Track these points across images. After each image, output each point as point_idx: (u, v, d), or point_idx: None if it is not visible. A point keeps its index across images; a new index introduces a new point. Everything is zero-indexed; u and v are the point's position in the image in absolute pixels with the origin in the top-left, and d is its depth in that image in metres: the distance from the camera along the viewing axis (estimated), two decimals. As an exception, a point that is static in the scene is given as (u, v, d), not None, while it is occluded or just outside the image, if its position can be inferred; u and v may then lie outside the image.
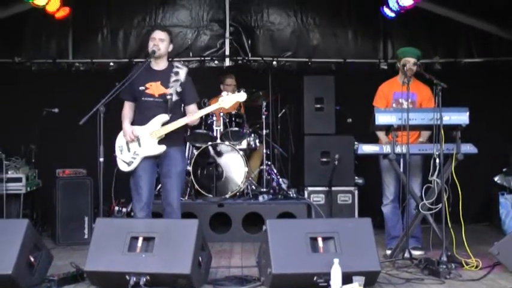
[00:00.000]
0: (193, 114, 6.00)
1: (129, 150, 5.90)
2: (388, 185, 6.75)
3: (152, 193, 6.07)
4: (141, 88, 5.95)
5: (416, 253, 6.24)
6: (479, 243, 6.49)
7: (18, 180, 7.64)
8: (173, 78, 5.99)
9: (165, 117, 5.89)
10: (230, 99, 6.01)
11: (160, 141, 5.89)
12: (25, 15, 9.15)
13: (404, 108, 6.08)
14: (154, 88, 5.95)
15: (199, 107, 7.91)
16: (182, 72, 6.04)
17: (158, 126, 5.87)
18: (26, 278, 4.84)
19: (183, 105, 6.16)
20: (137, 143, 5.89)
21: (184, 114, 6.09)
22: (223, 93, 6.15)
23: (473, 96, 8.52)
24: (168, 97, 5.92)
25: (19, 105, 9.02)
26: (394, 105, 6.73)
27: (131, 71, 6.08)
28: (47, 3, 8.14)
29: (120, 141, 5.98)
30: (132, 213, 7.19)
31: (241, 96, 6.05)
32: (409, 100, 6.30)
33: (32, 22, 9.29)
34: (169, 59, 6.24)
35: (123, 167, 5.93)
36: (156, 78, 5.98)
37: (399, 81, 6.59)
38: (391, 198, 6.72)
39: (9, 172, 7.62)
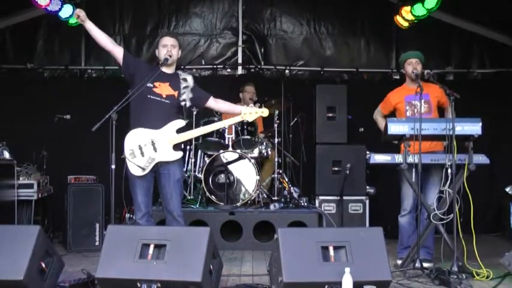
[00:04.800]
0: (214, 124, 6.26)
1: (142, 155, 5.76)
2: (407, 196, 6.66)
3: (151, 201, 6.00)
4: (149, 85, 5.83)
5: (425, 265, 6.17)
6: (490, 253, 6.45)
7: (30, 186, 7.64)
8: (183, 84, 5.98)
9: (181, 122, 5.88)
10: (253, 114, 6.03)
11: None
12: (38, 21, 9.23)
13: (417, 118, 6.06)
14: (163, 88, 5.90)
15: (212, 115, 8.02)
16: (189, 78, 6.06)
17: (174, 131, 5.84)
18: (37, 284, 4.84)
19: (198, 106, 6.27)
20: (152, 148, 5.78)
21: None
22: (246, 106, 6.14)
23: (486, 107, 8.49)
24: (183, 103, 5.94)
25: (31, 112, 9.08)
26: (407, 107, 6.70)
27: (139, 62, 6.16)
28: (59, 10, 8.20)
29: (130, 144, 5.79)
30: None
31: (264, 111, 6.10)
32: (422, 100, 6.28)
33: (45, 28, 9.37)
34: (182, 67, 6.23)
35: (136, 172, 5.77)
36: (165, 79, 5.94)
37: (408, 86, 6.60)
38: (409, 210, 6.64)
39: (20, 178, 7.62)
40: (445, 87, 6.21)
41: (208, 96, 6.20)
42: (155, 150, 5.80)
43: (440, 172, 6.35)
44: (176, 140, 5.85)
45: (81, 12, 5.88)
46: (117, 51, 6.01)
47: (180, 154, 5.88)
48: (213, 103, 6.23)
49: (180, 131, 5.87)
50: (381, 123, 6.91)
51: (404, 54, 6.94)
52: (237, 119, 6.13)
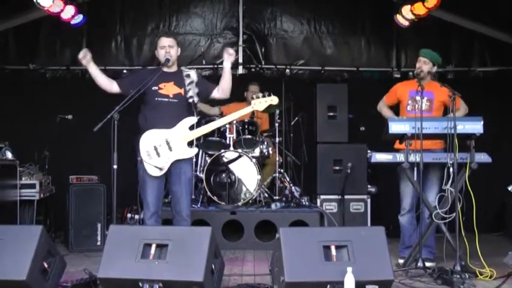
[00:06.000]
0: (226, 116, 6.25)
1: (159, 155, 5.81)
2: (406, 195, 6.67)
3: (161, 200, 6.04)
4: (154, 88, 5.91)
5: (427, 264, 6.13)
6: (493, 253, 6.42)
7: (32, 186, 7.67)
8: (187, 81, 6.03)
9: (193, 119, 5.94)
10: (263, 103, 6.04)
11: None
12: (40, 22, 9.23)
13: (418, 117, 6.05)
14: (169, 88, 5.96)
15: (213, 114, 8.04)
16: (192, 73, 6.11)
17: (187, 129, 5.89)
18: (39, 284, 4.84)
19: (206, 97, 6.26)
20: (167, 147, 5.83)
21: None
22: (255, 96, 6.13)
23: (487, 105, 8.46)
24: (190, 100, 5.99)
25: (33, 112, 9.10)
26: (409, 101, 6.69)
27: (139, 72, 6.14)
28: (61, 11, 8.21)
29: (145, 145, 5.85)
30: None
31: (274, 99, 6.07)
32: (425, 98, 6.27)
33: (47, 29, 9.38)
34: (182, 67, 6.25)
35: (155, 172, 5.82)
36: (168, 79, 6.00)
37: (416, 81, 6.58)
38: (408, 209, 6.65)
39: (23, 178, 7.65)
40: (447, 86, 6.20)
41: (214, 86, 6.18)
42: (170, 150, 5.85)
43: (438, 171, 6.37)
44: (190, 136, 5.93)
45: (87, 55, 5.98)
46: (115, 88, 6.09)
47: (195, 150, 6.02)
48: (216, 93, 6.18)
49: (192, 127, 5.94)
50: (385, 114, 6.90)
51: (421, 50, 6.87)
52: (248, 109, 6.15)
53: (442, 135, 6.10)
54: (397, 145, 6.65)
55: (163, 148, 5.84)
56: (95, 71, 6.08)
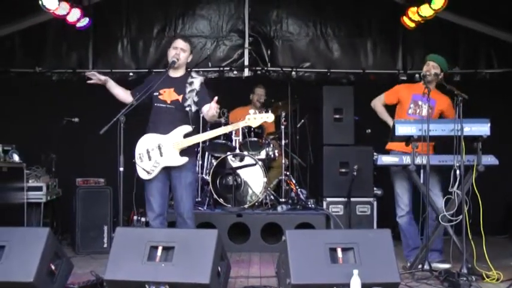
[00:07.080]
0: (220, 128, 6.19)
1: (149, 159, 5.85)
2: (402, 196, 6.64)
3: (165, 203, 6.04)
4: (155, 94, 5.97)
5: (441, 266, 6.09)
6: (499, 255, 6.41)
7: (39, 189, 7.69)
8: (188, 88, 5.99)
9: (187, 128, 5.88)
10: (258, 119, 5.86)
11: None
12: (46, 25, 9.27)
13: (425, 120, 6.05)
14: (167, 94, 5.97)
15: (218, 117, 8.01)
16: (197, 82, 6.04)
17: (181, 137, 5.85)
18: (46, 286, 4.85)
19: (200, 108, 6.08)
20: (158, 152, 5.84)
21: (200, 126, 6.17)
22: (251, 111, 6.05)
23: (494, 107, 8.45)
24: (187, 109, 5.93)
25: (40, 115, 9.14)
26: (412, 105, 6.65)
27: (149, 77, 6.20)
28: (67, 14, 8.24)
29: (140, 148, 5.91)
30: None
31: (270, 117, 5.88)
32: (428, 104, 6.25)
33: (53, 32, 9.44)
34: (188, 69, 6.25)
35: (143, 175, 5.87)
36: (170, 84, 6.00)
37: (421, 85, 6.54)
38: (407, 210, 6.62)
39: (29, 181, 7.67)
40: (453, 88, 6.16)
41: (207, 102, 5.92)
42: (161, 155, 5.85)
43: (436, 174, 6.35)
44: (181, 144, 5.85)
45: (101, 77, 6.24)
46: (131, 99, 6.08)
47: (185, 159, 5.85)
48: (204, 112, 6.04)
49: (187, 136, 5.89)
50: (379, 110, 6.89)
51: (428, 55, 6.85)
52: (241, 124, 6.03)
53: (449, 137, 6.07)
54: (388, 146, 6.65)
55: (154, 152, 5.87)
56: (113, 87, 6.25)
